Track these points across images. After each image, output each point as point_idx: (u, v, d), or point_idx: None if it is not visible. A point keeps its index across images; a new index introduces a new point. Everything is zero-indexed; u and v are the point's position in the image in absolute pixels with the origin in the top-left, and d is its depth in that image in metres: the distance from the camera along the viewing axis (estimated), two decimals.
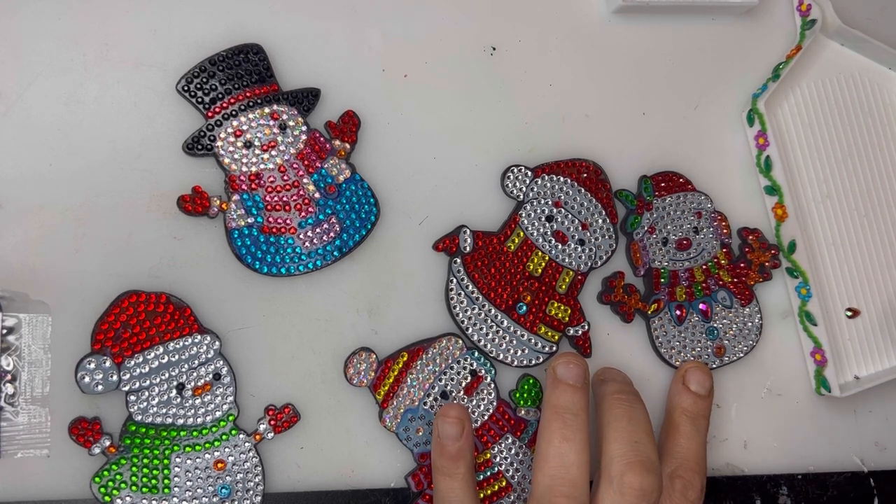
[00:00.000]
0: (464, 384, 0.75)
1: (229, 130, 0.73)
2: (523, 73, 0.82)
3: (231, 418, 0.71)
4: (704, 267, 0.82)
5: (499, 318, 0.76)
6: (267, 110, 0.74)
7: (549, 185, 0.79)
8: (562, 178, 0.79)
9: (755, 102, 0.85)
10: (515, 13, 0.83)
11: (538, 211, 0.78)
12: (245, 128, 0.74)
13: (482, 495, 0.74)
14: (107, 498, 0.68)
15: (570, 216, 0.78)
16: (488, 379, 0.75)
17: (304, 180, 0.74)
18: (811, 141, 0.87)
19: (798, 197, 0.85)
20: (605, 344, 0.80)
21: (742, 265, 0.82)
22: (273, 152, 0.74)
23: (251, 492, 0.70)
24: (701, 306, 0.81)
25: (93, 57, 0.74)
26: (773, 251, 0.83)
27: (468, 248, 0.76)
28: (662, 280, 0.81)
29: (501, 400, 0.76)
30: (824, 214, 0.86)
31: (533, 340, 0.77)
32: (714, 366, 0.81)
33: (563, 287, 0.78)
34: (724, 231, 0.83)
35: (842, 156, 0.87)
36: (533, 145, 0.81)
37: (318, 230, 0.74)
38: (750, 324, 0.82)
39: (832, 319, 0.84)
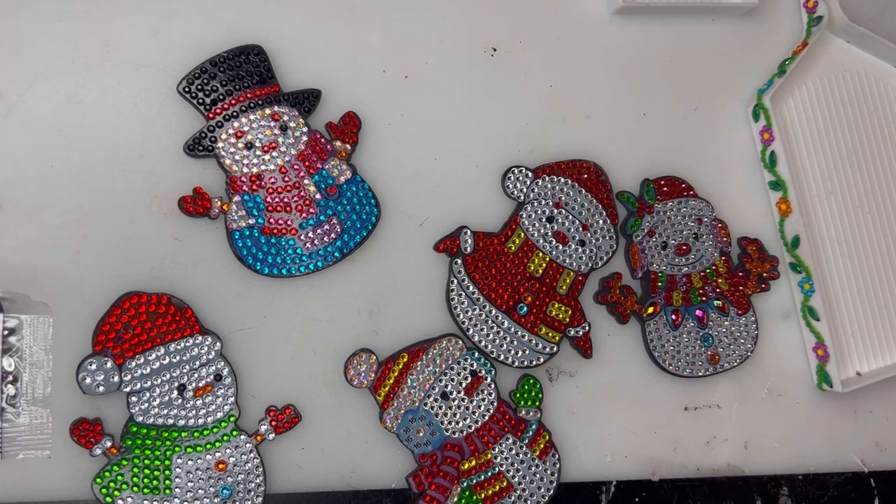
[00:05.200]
0: (464, 385, 0.75)
1: (230, 131, 0.73)
2: (524, 74, 0.82)
3: (232, 419, 0.71)
4: (703, 274, 0.82)
5: (499, 318, 0.76)
6: (268, 111, 0.74)
7: (549, 185, 0.79)
8: (562, 179, 0.79)
9: (761, 98, 0.85)
10: (516, 14, 0.83)
11: (539, 212, 0.78)
12: (246, 129, 0.74)
13: (483, 496, 0.74)
14: (108, 499, 0.68)
15: (570, 217, 0.78)
16: (488, 379, 0.76)
17: (305, 181, 0.74)
18: (816, 137, 0.87)
19: (802, 192, 0.85)
20: (606, 345, 0.80)
21: (741, 274, 0.82)
22: (274, 153, 0.74)
23: (252, 492, 0.70)
24: (697, 312, 0.81)
25: (94, 58, 0.74)
26: (771, 262, 0.83)
27: (469, 249, 0.76)
28: (660, 284, 0.81)
29: (502, 400, 0.76)
30: (828, 210, 0.86)
31: (533, 341, 0.77)
32: (707, 373, 0.81)
33: (564, 288, 0.78)
34: (725, 239, 0.82)
35: (846, 152, 0.87)
36: (533, 146, 0.81)
37: (318, 231, 0.74)
38: (746, 333, 0.82)
39: (835, 315, 0.84)
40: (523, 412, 0.76)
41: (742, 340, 0.82)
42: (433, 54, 0.81)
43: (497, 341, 0.76)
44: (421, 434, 0.74)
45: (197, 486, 0.69)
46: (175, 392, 0.70)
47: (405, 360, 0.74)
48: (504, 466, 0.75)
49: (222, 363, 0.71)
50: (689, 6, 0.85)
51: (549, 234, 0.78)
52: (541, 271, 0.78)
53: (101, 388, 0.68)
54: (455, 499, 0.73)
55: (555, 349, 0.77)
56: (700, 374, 0.81)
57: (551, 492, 0.76)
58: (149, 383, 0.69)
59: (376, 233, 0.76)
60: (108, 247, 0.72)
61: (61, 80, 0.74)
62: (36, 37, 0.74)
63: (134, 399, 0.69)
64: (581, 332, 0.78)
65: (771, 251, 0.84)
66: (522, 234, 0.78)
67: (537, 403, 0.77)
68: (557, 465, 0.76)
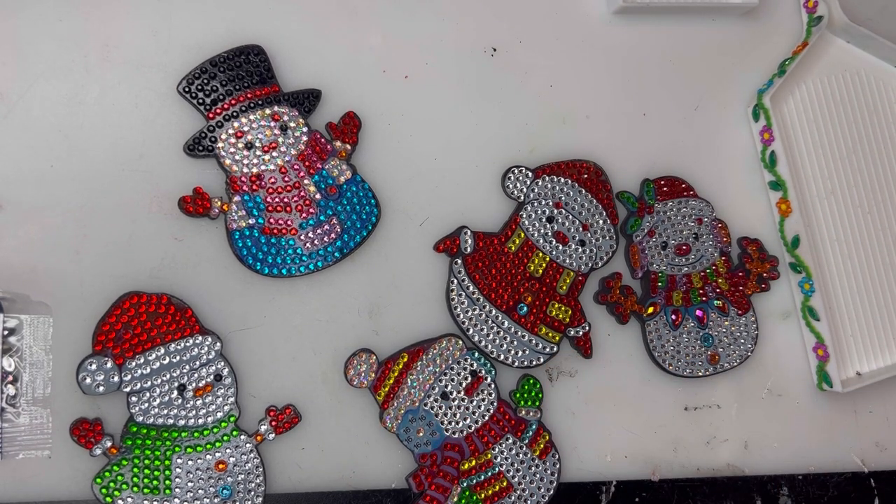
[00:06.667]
0: (464, 385, 0.75)
1: (230, 131, 0.73)
2: (523, 74, 0.82)
3: (232, 419, 0.71)
4: (703, 274, 0.82)
5: (499, 318, 0.76)
6: (268, 111, 0.74)
7: (549, 185, 0.79)
8: (562, 179, 0.79)
9: (761, 98, 0.85)
10: (515, 14, 0.83)
11: (539, 212, 0.78)
12: (246, 129, 0.74)
13: (483, 496, 0.74)
14: (108, 499, 0.68)
15: (570, 217, 0.78)
16: (489, 379, 0.75)
17: (305, 181, 0.74)
18: (816, 137, 0.87)
19: (802, 192, 0.85)
20: (606, 345, 0.80)
21: (741, 274, 0.82)
22: (274, 153, 0.74)
23: (252, 493, 0.70)
24: (697, 312, 0.81)
25: (94, 58, 0.74)
26: (771, 262, 0.83)
27: (469, 249, 0.76)
28: (660, 284, 0.81)
29: (502, 400, 0.76)
30: (828, 210, 0.86)
31: (534, 341, 0.77)
32: (707, 373, 0.81)
33: (564, 288, 0.78)
34: (725, 240, 0.83)
35: (846, 152, 0.87)
36: (533, 146, 0.81)
37: (318, 231, 0.74)
38: (746, 333, 0.82)
39: (835, 315, 0.84)
40: (523, 412, 0.76)
41: (742, 340, 0.82)
42: (433, 54, 0.81)
43: (497, 341, 0.76)
44: (421, 434, 0.74)
45: (197, 486, 0.69)
46: (175, 392, 0.70)
47: (405, 360, 0.74)
48: (504, 466, 0.75)
49: (222, 363, 0.71)
50: (690, 6, 0.85)
51: (549, 234, 0.78)
52: (541, 271, 0.78)
53: (101, 388, 0.68)
54: (455, 499, 0.73)
55: (555, 349, 0.77)
56: (700, 374, 0.81)
57: (551, 492, 0.76)
58: (149, 383, 0.69)
59: (376, 233, 0.76)
60: (108, 247, 0.72)
61: (61, 80, 0.74)
62: (36, 37, 0.74)
63: (134, 399, 0.69)
64: (581, 332, 0.78)
65: (771, 251, 0.84)
66: (522, 234, 0.78)
67: (537, 403, 0.77)
68: (557, 465, 0.76)
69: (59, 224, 0.72)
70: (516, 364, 0.77)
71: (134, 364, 0.69)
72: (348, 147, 0.76)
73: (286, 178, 0.74)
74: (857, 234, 0.86)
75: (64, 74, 0.74)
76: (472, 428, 0.74)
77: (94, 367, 0.68)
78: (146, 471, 0.69)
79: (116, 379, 0.68)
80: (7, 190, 0.71)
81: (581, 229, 0.79)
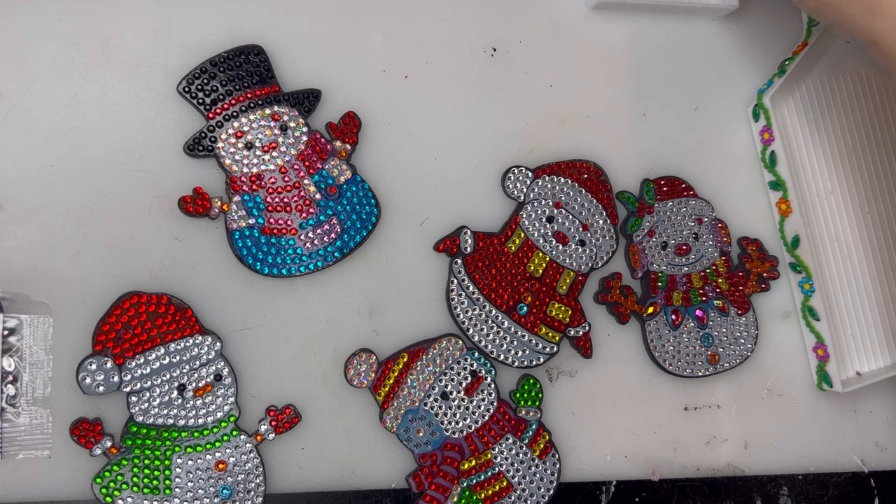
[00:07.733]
0: (464, 385, 0.75)
1: (230, 131, 0.73)
2: (523, 74, 0.82)
3: (232, 419, 0.71)
4: (703, 274, 0.82)
5: (499, 318, 0.76)
6: (268, 111, 0.74)
7: (549, 185, 0.79)
8: (562, 179, 0.79)
9: (761, 98, 0.85)
10: (516, 14, 0.83)
11: (539, 212, 0.78)
12: (246, 129, 0.74)
13: (483, 495, 0.74)
14: (108, 499, 0.68)
15: (570, 217, 0.78)
16: (488, 379, 0.76)
17: (305, 181, 0.74)
18: (816, 137, 0.87)
19: (802, 192, 0.85)
20: (606, 345, 0.80)
21: (741, 274, 0.82)
22: (274, 153, 0.74)
23: (252, 493, 0.70)
24: (697, 312, 0.81)
25: (94, 58, 0.74)
26: (771, 262, 0.83)
27: (469, 249, 0.76)
28: (660, 284, 0.81)
29: (502, 400, 0.76)
30: (828, 210, 0.86)
31: (534, 341, 0.77)
32: (707, 373, 0.81)
33: (564, 288, 0.78)
34: (725, 239, 0.83)
35: (846, 152, 0.87)
36: (533, 146, 0.81)
37: (318, 231, 0.74)
38: (746, 333, 0.82)
39: (835, 315, 0.84)
40: (523, 412, 0.76)
41: (742, 340, 0.82)
42: (433, 54, 0.80)
43: (497, 341, 0.76)
44: (421, 434, 0.74)
45: (197, 486, 0.69)
46: (175, 392, 0.70)
47: (405, 360, 0.74)
48: (504, 466, 0.75)
49: (222, 363, 0.71)
50: (690, 6, 0.85)
51: (549, 234, 0.78)
52: (541, 271, 0.78)
53: (101, 388, 0.68)
54: (455, 499, 0.73)
55: (555, 349, 0.77)
56: (700, 374, 0.81)
57: (551, 492, 0.76)
58: (149, 383, 0.69)
59: (376, 233, 0.76)
60: (108, 246, 0.72)
61: (61, 80, 0.73)
62: (36, 37, 0.73)
63: (134, 399, 0.69)
64: (581, 332, 0.78)
65: (771, 251, 0.84)
66: (522, 234, 0.78)
67: (537, 403, 0.77)
68: (557, 465, 0.76)
69: (59, 224, 0.72)
70: (516, 364, 0.77)
71: (134, 364, 0.69)
72: (348, 147, 0.76)
73: (286, 178, 0.74)
74: (857, 234, 0.86)
75: (64, 74, 0.74)
76: (472, 428, 0.74)
77: (94, 367, 0.68)
78: (146, 471, 0.69)
79: (116, 379, 0.68)
80: (7, 190, 0.71)
81: (581, 229, 0.79)
